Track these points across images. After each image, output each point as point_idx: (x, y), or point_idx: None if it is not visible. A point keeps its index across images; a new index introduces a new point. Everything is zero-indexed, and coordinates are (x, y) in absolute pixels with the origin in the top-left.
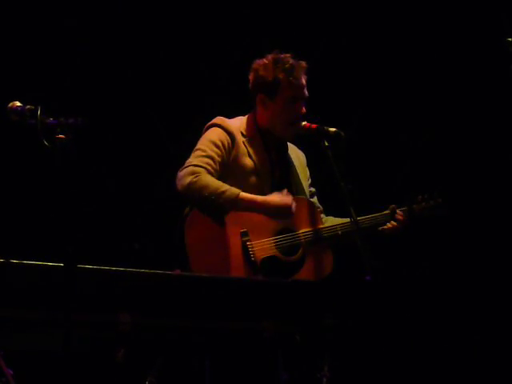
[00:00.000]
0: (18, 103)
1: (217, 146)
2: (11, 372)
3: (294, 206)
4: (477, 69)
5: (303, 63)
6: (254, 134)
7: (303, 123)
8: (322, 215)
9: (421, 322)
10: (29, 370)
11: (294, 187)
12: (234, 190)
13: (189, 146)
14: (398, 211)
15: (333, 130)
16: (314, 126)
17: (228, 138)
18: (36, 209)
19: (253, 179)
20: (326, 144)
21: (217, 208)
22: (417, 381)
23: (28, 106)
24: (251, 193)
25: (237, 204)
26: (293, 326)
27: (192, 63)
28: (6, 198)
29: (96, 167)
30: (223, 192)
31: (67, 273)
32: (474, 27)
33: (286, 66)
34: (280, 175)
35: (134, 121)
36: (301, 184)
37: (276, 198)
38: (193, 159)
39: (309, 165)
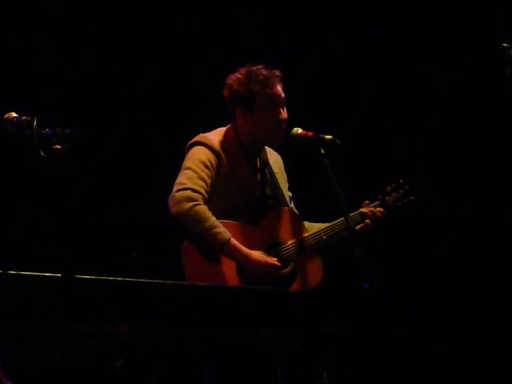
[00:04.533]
0: (14, 114)
1: (206, 167)
2: (10, 383)
3: (272, 270)
4: (472, 74)
5: (276, 72)
6: (236, 148)
7: (299, 131)
8: (305, 222)
9: (419, 328)
10: (28, 381)
11: (275, 196)
12: (225, 235)
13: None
14: (371, 206)
15: (329, 137)
16: (310, 133)
17: (215, 157)
18: (34, 219)
19: (239, 195)
20: (322, 151)
21: (202, 246)
22: None
23: (24, 117)
24: (240, 209)
25: (223, 249)
26: (292, 335)
27: (189, 70)
28: (4, 209)
29: (93, 177)
30: (215, 234)
31: (65, 283)
32: (470, 32)
33: (260, 77)
34: (265, 188)
35: (132, 131)
36: (281, 191)
37: (259, 256)
38: (187, 181)
39: (304, 172)
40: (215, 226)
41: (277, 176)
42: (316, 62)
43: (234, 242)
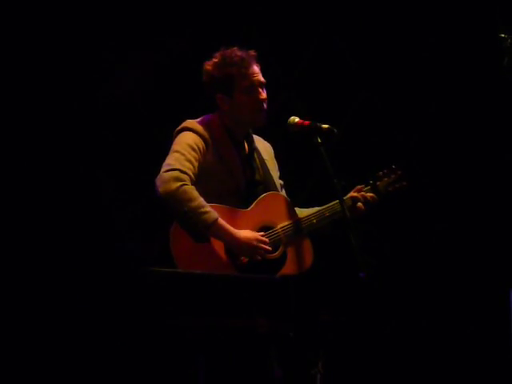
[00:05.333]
0: None
1: (193, 150)
2: None
3: (256, 244)
4: (470, 65)
5: (252, 52)
6: (221, 133)
7: (296, 120)
8: (296, 208)
9: (415, 318)
10: None
11: (267, 182)
12: (213, 215)
13: None
14: (364, 190)
15: (326, 126)
16: (306, 122)
17: (201, 141)
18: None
19: (228, 181)
20: (319, 141)
21: (189, 226)
22: (412, 378)
23: None
24: (228, 194)
25: (210, 229)
26: (286, 323)
27: (188, 64)
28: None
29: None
30: (202, 213)
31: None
32: (468, 24)
33: (235, 59)
34: (253, 173)
35: (132, 124)
36: (271, 177)
37: (247, 233)
38: (174, 162)
39: (300, 161)
40: (203, 206)
41: (266, 163)
42: (313, 52)
43: (222, 221)
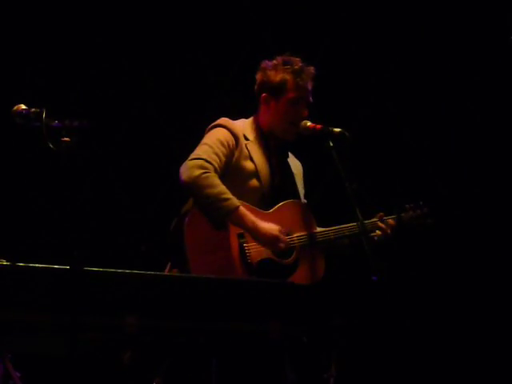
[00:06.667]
0: (22, 106)
1: (222, 145)
2: (19, 374)
3: (278, 234)
4: (482, 68)
5: (312, 68)
6: (256, 136)
7: (308, 124)
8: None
9: (426, 321)
10: (36, 373)
11: (291, 193)
12: (234, 202)
13: (194, 148)
14: (386, 219)
15: (338, 130)
16: (318, 126)
17: (232, 138)
18: (41, 211)
19: (253, 182)
20: (331, 144)
21: (210, 211)
22: (424, 380)
23: (33, 109)
24: (251, 195)
25: (231, 216)
26: (299, 327)
27: (197, 64)
28: (12, 201)
29: (102, 169)
30: (224, 199)
31: (74, 276)
32: (479, 27)
33: (295, 67)
34: (279, 180)
35: (140, 123)
36: (297, 191)
37: (267, 226)
38: (202, 153)
39: (312, 167)
40: (224, 193)
41: (295, 177)
42: (325, 55)
43: (244, 209)
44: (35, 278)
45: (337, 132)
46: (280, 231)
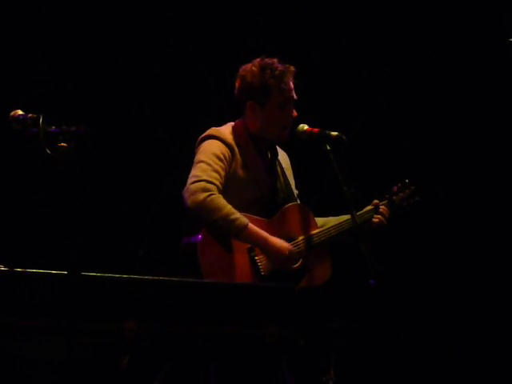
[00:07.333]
0: (19, 112)
1: (220, 159)
2: None
3: (289, 254)
4: (479, 71)
5: (291, 67)
6: (246, 141)
7: (305, 127)
8: (316, 218)
9: (425, 324)
10: (33, 379)
11: (288, 193)
12: (243, 220)
13: (192, 152)
14: (380, 205)
15: (335, 133)
16: (315, 130)
17: (227, 150)
18: (39, 217)
19: (252, 189)
20: (328, 148)
21: (221, 232)
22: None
23: (30, 115)
24: (251, 202)
25: (242, 234)
26: (297, 331)
27: (194, 69)
28: (9, 206)
29: (99, 175)
30: (233, 220)
31: (71, 280)
32: (476, 29)
33: (276, 72)
34: (274, 180)
35: (137, 128)
36: (291, 186)
37: (277, 241)
38: (201, 173)
39: (311, 169)
40: (232, 213)
41: (286, 171)
42: (322, 58)
43: (253, 226)
44: (33, 283)
45: (334, 135)
46: (290, 251)
